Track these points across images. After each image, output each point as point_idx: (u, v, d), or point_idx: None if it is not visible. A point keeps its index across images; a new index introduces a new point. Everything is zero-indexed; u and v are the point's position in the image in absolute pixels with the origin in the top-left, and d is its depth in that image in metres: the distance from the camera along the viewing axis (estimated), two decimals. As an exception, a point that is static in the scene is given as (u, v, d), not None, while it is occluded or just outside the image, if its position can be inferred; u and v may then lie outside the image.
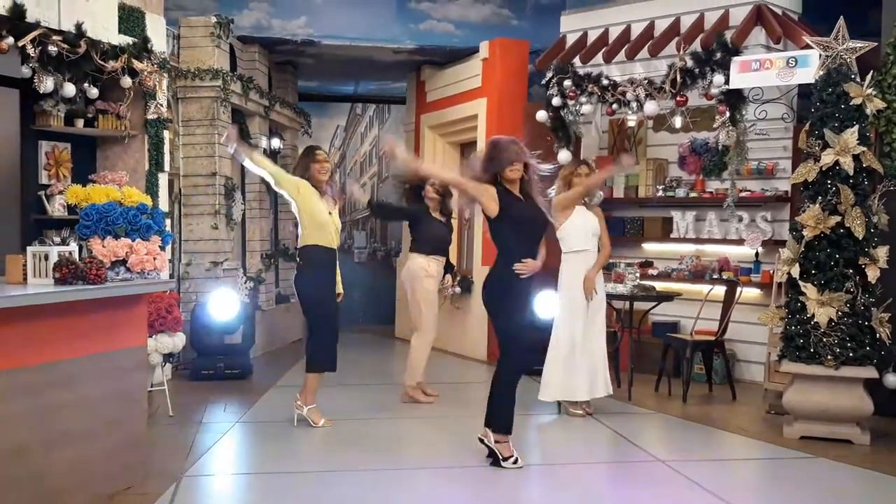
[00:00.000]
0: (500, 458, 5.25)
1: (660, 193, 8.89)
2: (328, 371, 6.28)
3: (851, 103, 6.11)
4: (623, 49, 8.65)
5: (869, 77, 6.23)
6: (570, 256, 6.70)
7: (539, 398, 6.71)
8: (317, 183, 6.16)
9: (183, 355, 7.99)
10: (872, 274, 6.05)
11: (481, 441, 5.36)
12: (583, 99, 8.49)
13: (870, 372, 6.03)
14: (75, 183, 6.32)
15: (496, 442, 5.28)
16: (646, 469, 5.50)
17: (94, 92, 6.74)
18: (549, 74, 8.78)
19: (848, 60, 6.22)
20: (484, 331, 9.40)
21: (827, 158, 6.06)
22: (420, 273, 7.23)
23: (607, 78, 8.40)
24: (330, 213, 6.21)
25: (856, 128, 6.04)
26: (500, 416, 5.30)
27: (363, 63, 11.23)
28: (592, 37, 9.18)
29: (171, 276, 8.13)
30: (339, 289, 6.41)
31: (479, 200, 5.25)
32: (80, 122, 6.93)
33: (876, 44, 6.54)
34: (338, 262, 6.34)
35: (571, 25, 9.44)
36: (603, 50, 8.84)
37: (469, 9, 10.46)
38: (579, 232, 6.66)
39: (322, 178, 6.17)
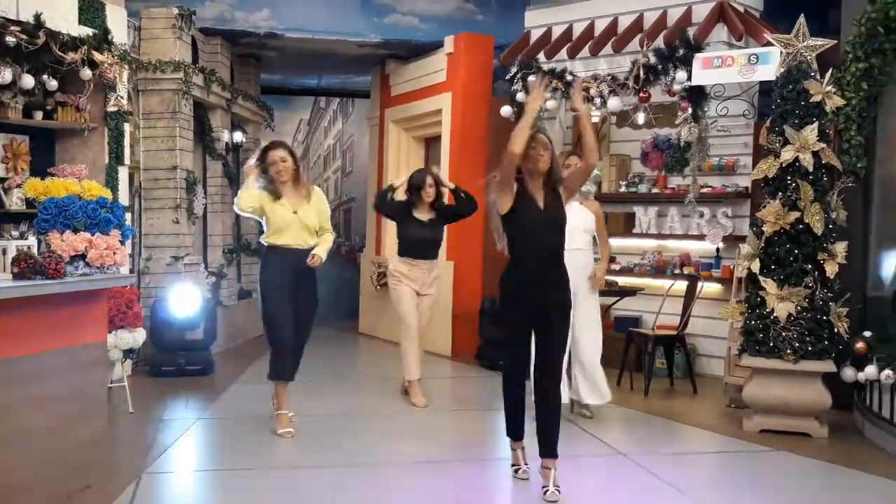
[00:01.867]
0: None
1: (622, 189, 8.95)
2: (281, 380, 5.97)
3: (811, 100, 6.19)
4: (587, 45, 8.69)
5: (828, 74, 6.32)
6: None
7: None
8: (279, 185, 5.84)
9: (143, 351, 7.91)
10: (831, 269, 6.14)
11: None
12: (547, 94, 8.51)
13: (828, 366, 6.12)
14: (34, 176, 6.22)
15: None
16: (608, 462, 5.55)
17: (53, 84, 6.65)
18: (514, 70, 8.81)
19: (808, 58, 6.31)
20: (449, 327, 9.41)
21: (787, 155, 6.14)
22: (389, 275, 7.19)
23: (571, 73, 8.45)
24: (295, 211, 5.86)
25: (815, 125, 6.12)
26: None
27: (327, 56, 11.17)
28: (557, 32, 9.22)
29: (132, 270, 8.04)
30: (319, 252, 5.90)
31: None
32: (38, 115, 6.82)
33: (835, 42, 6.63)
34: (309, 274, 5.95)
35: (536, 21, 9.47)
36: (567, 46, 8.87)
37: (434, 3, 10.44)
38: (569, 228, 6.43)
39: (282, 178, 5.83)
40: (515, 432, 5.01)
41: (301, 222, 5.87)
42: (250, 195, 5.85)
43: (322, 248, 5.94)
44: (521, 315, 4.81)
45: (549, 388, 4.80)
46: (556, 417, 4.81)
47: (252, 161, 6.03)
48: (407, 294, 7.07)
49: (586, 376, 6.47)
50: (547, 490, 4.68)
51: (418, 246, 7.05)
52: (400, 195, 7.18)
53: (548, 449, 4.78)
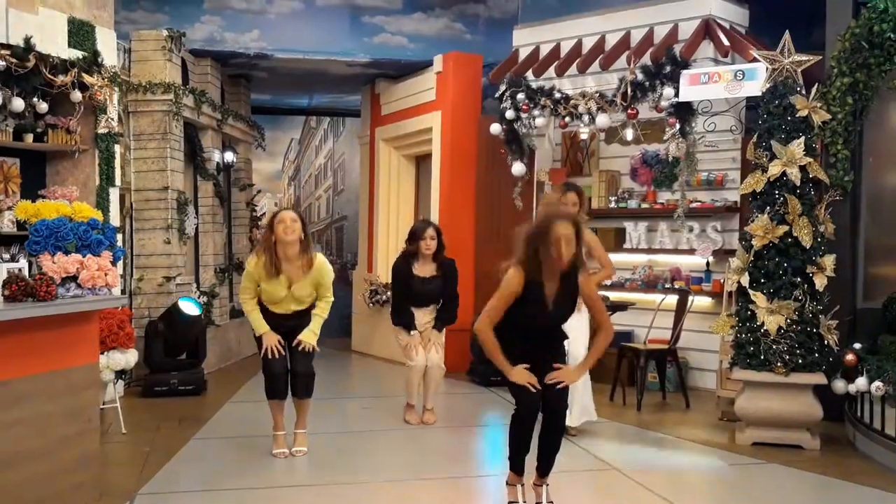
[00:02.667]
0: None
1: (612, 205, 8.99)
2: (273, 399, 5.92)
3: (797, 115, 6.25)
4: (575, 63, 8.75)
5: (814, 89, 6.39)
6: None
7: None
8: (282, 246, 5.70)
9: (135, 372, 7.89)
10: (820, 282, 6.18)
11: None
12: (536, 112, 8.58)
13: (819, 378, 6.15)
14: (25, 198, 6.24)
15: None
16: (601, 477, 5.55)
17: (43, 106, 6.67)
18: (503, 88, 8.86)
19: (794, 73, 6.37)
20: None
21: (774, 169, 6.19)
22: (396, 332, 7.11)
23: (560, 91, 8.50)
24: (290, 286, 5.78)
25: (802, 139, 6.18)
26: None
27: (317, 76, 11.22)
28: (545, 51, 9.29)
29: (123, 291, 8.03)
30: (307, 337, 5.89)
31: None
32: (29, 137, 6.82)
33: (820, 57, 6.70)
34: (301, 318, 5.93)
35: (524, 39, 9.54)
36: (555, 63, 8.94)
37: (422, 23, 10.51)
38: None
39: (288, 238, 5.66)
40: (522, 467, 4.72)
41: (292, 297, 5.83)
42: (250, 279, 5.84)
43: (313, 326, 5.94)
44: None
45: (559, 413, 4.65)
46: (560, 441, 4.71)
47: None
48: (410, 346, 6.94)
49: (574, 398, 6.33)
50: None
51: (419, 299, 6.93)
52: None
53: (547, 469, 4.75)
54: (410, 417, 6.98)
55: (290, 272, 5.79)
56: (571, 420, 6.40)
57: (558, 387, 4.54)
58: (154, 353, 8.02)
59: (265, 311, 5.91)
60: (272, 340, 5.82)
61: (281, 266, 5.74)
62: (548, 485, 4.75)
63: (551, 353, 4.67)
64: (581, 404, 6.46)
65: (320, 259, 5.92)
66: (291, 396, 5.99)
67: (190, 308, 8.06)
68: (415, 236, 6.88)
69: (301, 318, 5.95)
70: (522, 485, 4.77)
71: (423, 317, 7.01)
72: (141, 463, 5.68)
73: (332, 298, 6.05)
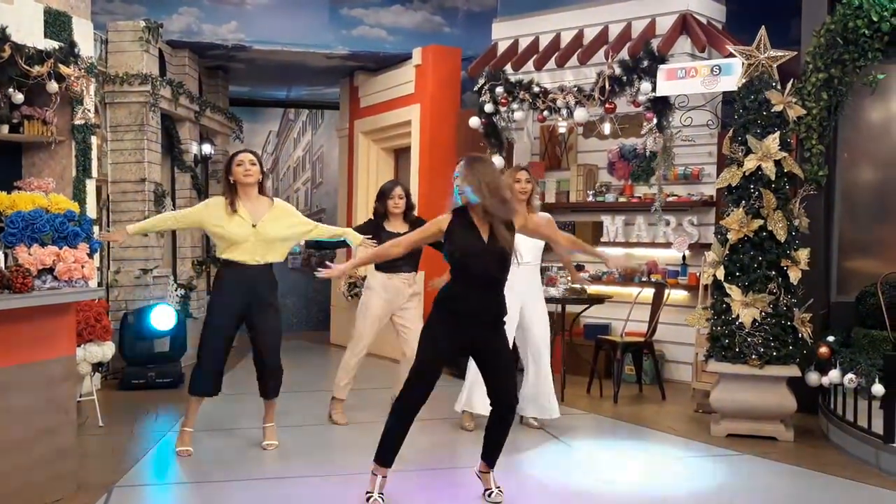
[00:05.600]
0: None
1: (590, 198, 9.04)
2: (200, 395, 5.72)
3: (773, 110, 6.31)
4: (553, 57, 8.78)
5: (790, 85, 6.44)
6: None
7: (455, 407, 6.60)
8: (243, 188, 5.56)
9: (112, 364, 7.86)
10: (794, 275, 6.25)
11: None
12: (514, 105, 8.61)
13: (793, 370, 6.23)
14: (0, 190, 6.18)
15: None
16: (576, 469, 5.59)
17: (19, 97, 6.61)
18: (482, 81, 8.88)
19: (769, 69, 6.43)
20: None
21: (750, 164, 6.25)
22: (365, 288, 6.88)
23: (538, 85, 8.53)
24: (254, 224, 5.53)
25: (777, 134, 6.24)
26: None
27: (295, 68, 11.18)
28: (523, 44, 9.31)
29: (100, 284, 7.99)
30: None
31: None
32: (4, 128, 6.78)
33: (796, 52, 6.77)
34: (265, 281, 5.65)
35: (503, 33, 9.57)
36: (534, 57, 8.97)
37: (401, 15, 10.50)
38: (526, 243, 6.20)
39: (247, 181, 5.52)
40: (392, 460, 4.70)
41: (258, 235, 5.54)
42: (189, 212, 5.73)
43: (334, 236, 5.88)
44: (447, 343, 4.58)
45: (512, 406, 4.69)
46: (507, 433, 4.75)
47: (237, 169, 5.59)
48: (375, 307, 6.69)
49: (540, 389, 6.40)
50: (492, 492, 4.78)
51: (393, 259, 6.82)
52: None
53: (494, 461, 4.79)
54: (339, 418, 6.76)
55: (253, 209, 5.56)
56: (536, 411, 6.46)
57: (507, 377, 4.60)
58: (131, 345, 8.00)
59: (227, 268, 5.59)
60: (117, 236, 5.73)
61: (239, 204, 5.52)
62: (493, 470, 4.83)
63: (492, 314, 4.59)
64: (542, 398, 6.43)
65: (279, 201, 5.78)
66: (260, 396, 5.89)
67: (162, 321, 8.01)
68: (383, 196, 6.69)
69: (265, 281, 5.62)
70: (385, 477, 4.71)
71: (402, 287, 6.69)
72: (118, 456, 5.67)
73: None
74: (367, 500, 4.66)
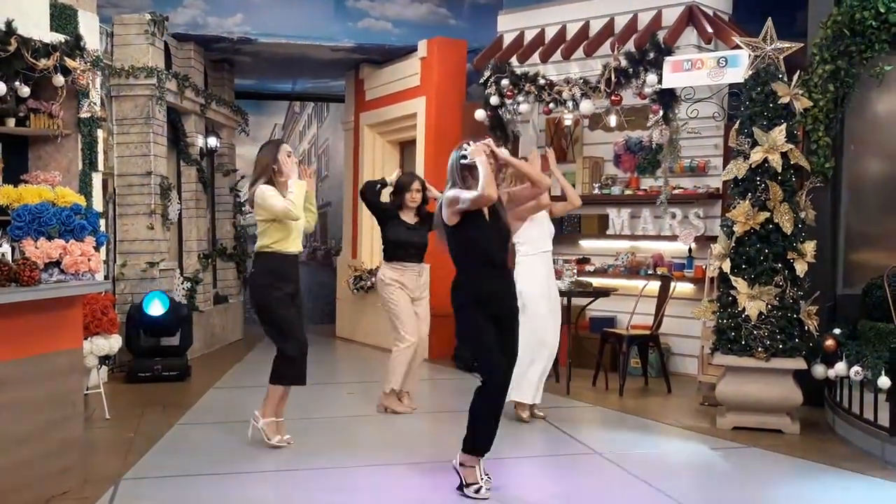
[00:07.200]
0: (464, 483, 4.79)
1: (596, 191, 9.02)
2: (294, 384, 5.77)
3: (779, 102, 6.29)
4: (559, 49, 8.76)
5: (796, 76, 6.42)
6: (527, 259, 6.34)
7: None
8: (277, 177, 5.54)
9: (119, 357, 7.88)
10: (800, 268, 6.23)
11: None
12: (520, 98, 8.59)
13: (799, 363, 6.22)
14: (7, 183, 6.19)
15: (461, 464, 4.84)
16: (583, 461, 5.60)
17: (25, 90, 6.63)
18: (487, 74, 8.86)
19: (776, 60, 6.40)
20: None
21: (756, 156, 6.23)
22: (379, 283, 6.89)
23: (544, 77, 8.51)
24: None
25: (783, 126, 6.22)
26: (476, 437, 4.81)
27: (301, 61, 11.18)
28: (529, 36, 9.29)
29: (106, 277, 8.02)
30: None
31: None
32: (11, 122, 6.79)
33: (802, 44, 6.73)
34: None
35: (508, 25, 9.54)
36: (539, 50, 8.95)
37: (407, 8, 10.49)
38: (536, 232, 6.41)
39: (292, 173, 5.51)
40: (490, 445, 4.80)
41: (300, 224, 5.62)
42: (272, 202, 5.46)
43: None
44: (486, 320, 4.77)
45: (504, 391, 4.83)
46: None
47: (288, 160, 5.55)
48: (405, 301, 6.76)
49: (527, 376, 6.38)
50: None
51: (406, 249, 6.79)
52: (384, 197, 7.00)
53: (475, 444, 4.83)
54: (399, 406, 6.81)
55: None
56: (535, 398, 6.46)
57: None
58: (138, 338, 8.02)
59: (276, 261, 5.55)
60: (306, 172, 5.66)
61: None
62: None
63: (510, 298, 4.90)
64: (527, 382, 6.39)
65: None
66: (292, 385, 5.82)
67: (156, 307, 8.02)
68: (401, 189, 6.84)
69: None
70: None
71: (414, 279, 6.82)
72: (125, 448, 5.69)
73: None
74: (477, 491, 4.70)
